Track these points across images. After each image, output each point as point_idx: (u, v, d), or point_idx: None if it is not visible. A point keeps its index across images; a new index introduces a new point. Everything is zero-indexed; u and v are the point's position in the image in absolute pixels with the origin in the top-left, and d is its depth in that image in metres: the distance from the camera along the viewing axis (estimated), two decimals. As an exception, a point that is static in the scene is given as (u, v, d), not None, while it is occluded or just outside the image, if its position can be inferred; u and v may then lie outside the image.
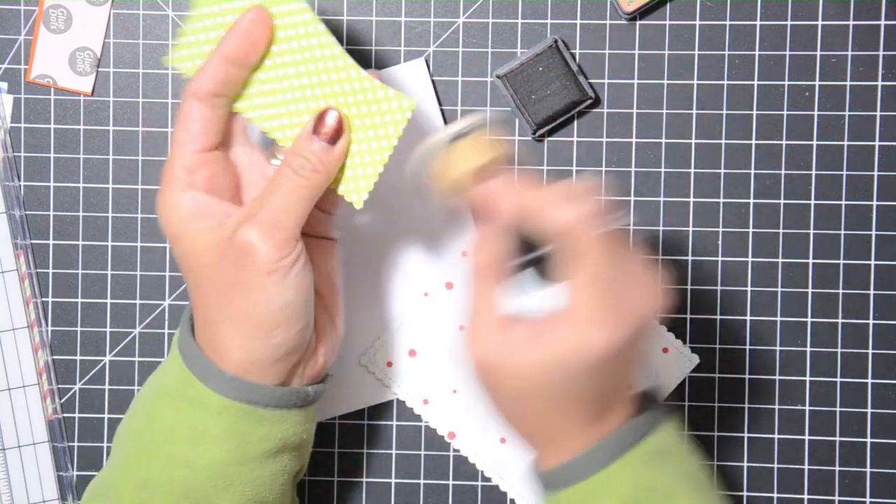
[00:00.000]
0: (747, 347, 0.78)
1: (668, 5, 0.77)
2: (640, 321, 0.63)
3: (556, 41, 0.76)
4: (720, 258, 0.78)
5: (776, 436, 0.78)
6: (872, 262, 0.77)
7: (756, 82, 0.77)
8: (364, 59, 0.78)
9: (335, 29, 0.78)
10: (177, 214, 0.65)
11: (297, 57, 0.66)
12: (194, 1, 0.67)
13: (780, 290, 0.78)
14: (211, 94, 0.65)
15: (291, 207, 0.65)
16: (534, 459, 0.67)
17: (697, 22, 0.77)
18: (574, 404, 0.63)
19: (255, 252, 0.64)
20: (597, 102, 0.77)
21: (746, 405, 0.78)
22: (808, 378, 0.78)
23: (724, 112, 0.78)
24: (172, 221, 0.66)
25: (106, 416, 0.79)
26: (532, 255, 0.66)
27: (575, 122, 0.78)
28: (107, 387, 0.80)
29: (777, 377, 0.78)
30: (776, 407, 0.78)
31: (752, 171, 0.78)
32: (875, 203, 0.77)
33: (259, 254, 0.64)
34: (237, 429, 0.65)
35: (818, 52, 0.77)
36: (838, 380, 0.78)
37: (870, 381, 0.78)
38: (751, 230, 0.78)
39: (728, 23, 0.77)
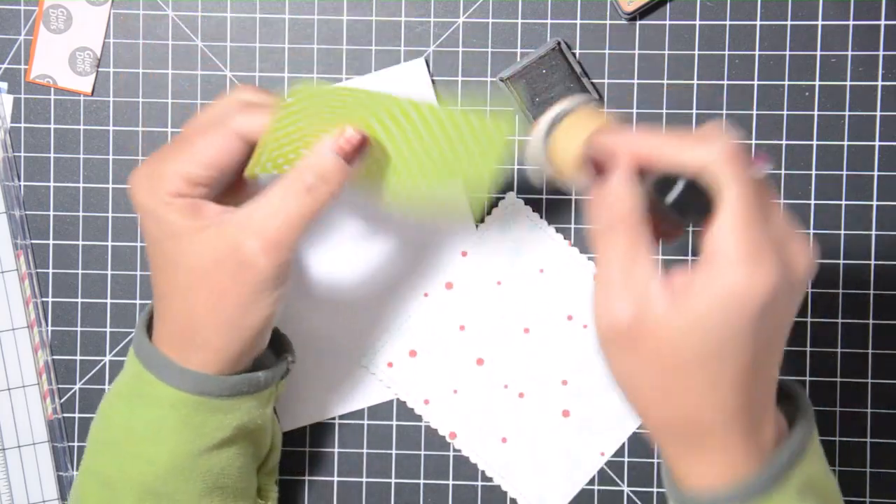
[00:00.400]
0: (747, 347, 0.78)
1: (668, 5, 0.77)
2: (798, 271, 0.56)
3: (559, 43, 0.76)
4: (720, 258, 0.78)
5: (776, 436, 0.78)
6: (872, 262, 0.78)
7: (756, 82, 0.77)
8: (364, 59, 0.78)
9: (335, 30, 0.78)
10: (173, 211, 0.64)
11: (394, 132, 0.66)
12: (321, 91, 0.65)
13: (780, 290, 0.78)
14: (251, 138, 0.65)
15: (297, 226, 0.64)
16: (669, 468, 0.61)
17: (697, 22, 0.77)
18: (726, 380, 0.56)
19: (257, 268, 0.63)
20: (599, 103, 0.77)
21: (746, 405, 0.78)
22: (808, 378, 0.78)
23: (724, 112, 0.78)
24: (169, 217, 0.64)
25: (106, 416, 0.80)
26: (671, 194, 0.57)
27: (575, 122, 0.78)
28: (107, 387, 0.80)
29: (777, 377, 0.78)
30: (776, 407, 0.78)
31: (752, 171, 0.78)
32: (875, 203, 0.77)
33: (262, 271, 0.64)
34: (191, 421, 0.65)
35: (818, 52, 0.77)
36: (838, 380, 0.78)
37: (870, 381, 0.78)
38: (751, 230, 0.78)
39: (728, 23, 0.77)
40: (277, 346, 0.73)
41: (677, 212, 0.57)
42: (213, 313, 0.64)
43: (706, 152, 0.56)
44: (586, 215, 0.78)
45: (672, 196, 0.56)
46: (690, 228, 0.76)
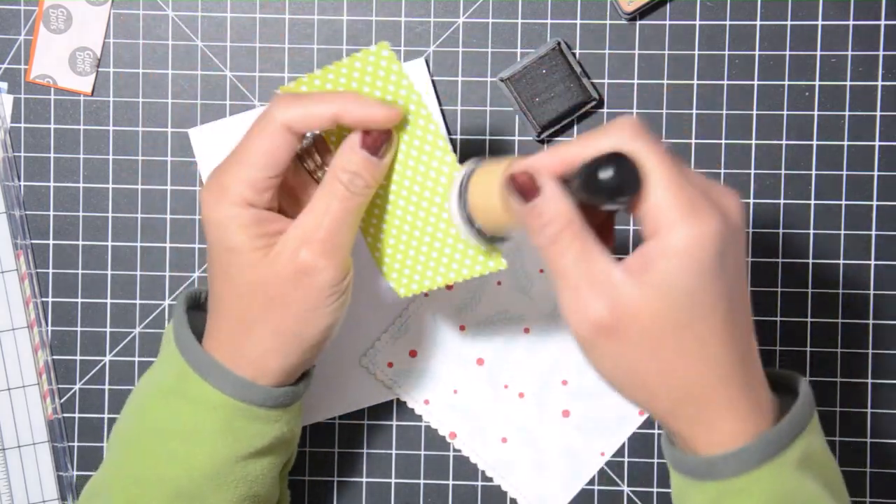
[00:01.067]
0: (747, 347, 0.78)
1: (668, 5, 0.77)
2: (732, 214, 0.58)
3: (559, 43, 0.76)
4: (720, 258, 0.78)
5: (776, 436, 0.78)
6: (872, 262, 0.78)
7: (756, 82, 0.77)
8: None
9: (335, 30, 0.78)
10: (236, 225, 0.64)
11: (408, 157, 0.66)
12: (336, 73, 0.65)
13: (780, 289, 0.78)
14: (303, 134, 0.64)
15: (347, 225, 0.64)
16: (668, 434, 0.63)
17: (697, 22, 0.77)
18: (712, 336, 0.58)
19: (318, 275, 0.63)
20: (600, 103, 0.77)
21: (746, 405, 0.78)
22: (808, 378, 0.78)
23: (724, 112, 0.78)
24: (231, 232, 0.64)
25: (106, 415, 0.79)
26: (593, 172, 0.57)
27: (575, 123, 0.78)
28: (107, 387, 0.80)
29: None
30: (776, 407, 0.78)
31: (752, 171, 0.78)
32: (875, 203, 0.77)
33: (322, 277, 0.63)
34: (232, 426, 0.65)
35: (818, 52, 0.77)
36: (838, 380, 0.78)
37: (870, 381, 0.78)
38: (751, 230, 0.78)
39: (728, 23, 0.77)
40: None
41: (610, 191, 0.57)
42: (274, 323, 0.64)
43: (615, 136, 0.58)
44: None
45: (604, 174, 0.56)
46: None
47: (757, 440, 0.59)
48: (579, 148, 0.59)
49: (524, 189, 0.59)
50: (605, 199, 0.57)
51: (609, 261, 0.58)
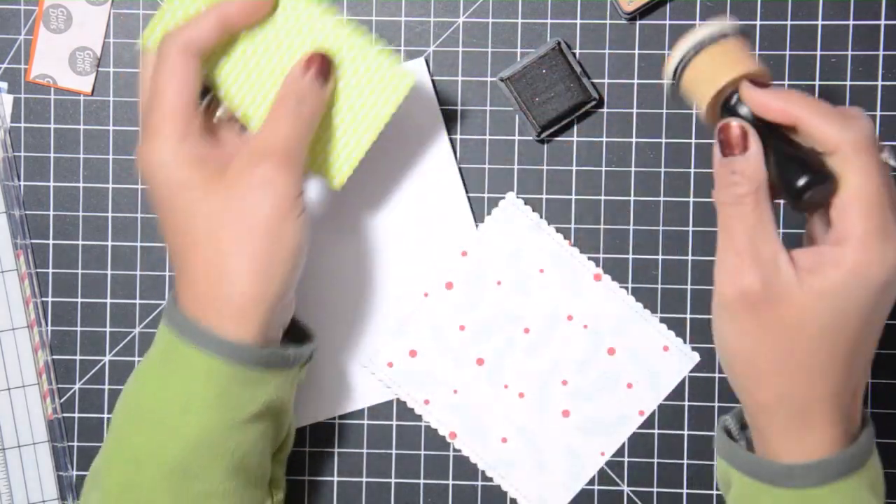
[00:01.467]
0: (747, 347, 0.78)
1: (668, 5, 0.77)
2: None
3: (559, 43, 0.76)
4: (720, 258, 0.78)
5: (776, 435, 0.78)
6: (872, 262, 0.77)
7: (756, 82, 0.77)
8: (364, 58, 0.78)
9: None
10: (181, 160, 0.65)
11: (291, 39, 0.68)
12: None
13: (780, 289, 0.78)
14: (201, 51, 0.66)
15: (297, 142, 0.66)
16: (723, 429, 0.65)
17: (697, 22, 0.77)
18: (840, 355, 0.60)
19: (280, 185, 0.65)
20: (600, 103, 0.77)
21: (746, 405, 0.78)
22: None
23: (724, 112, 0.78)
24: (178, 168, 0.65)
25: (106, 415, 0.79)
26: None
27: (575, 123, 0.78)
28: (106, 386, 0.80)
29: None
30: (776, 407, 0.78)
31: (752, 171, 0.78)
32: (875, 203, 0.77)
33: (284, 187, 0.65)
34: (224, 391, 0.66)
35: (818, 52, 0.77)
36: (838, 380, 0.78)
37: (869, 381, 0.78)
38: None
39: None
40: (301, 338, 0.73)
41: (795, 197, 0.60)
42: (246, 245, 0.65)
43: (846, 132, 0.59)
44: (583, 215, 0.78)
45: (797, 180, 0.59)
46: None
47: (840, 454, 0.60)
48: (815, 117, 0.60)
49: (731, 143, 0.61)
50: (790, 199, 0.60)
51: (779, 243, 0.60)
